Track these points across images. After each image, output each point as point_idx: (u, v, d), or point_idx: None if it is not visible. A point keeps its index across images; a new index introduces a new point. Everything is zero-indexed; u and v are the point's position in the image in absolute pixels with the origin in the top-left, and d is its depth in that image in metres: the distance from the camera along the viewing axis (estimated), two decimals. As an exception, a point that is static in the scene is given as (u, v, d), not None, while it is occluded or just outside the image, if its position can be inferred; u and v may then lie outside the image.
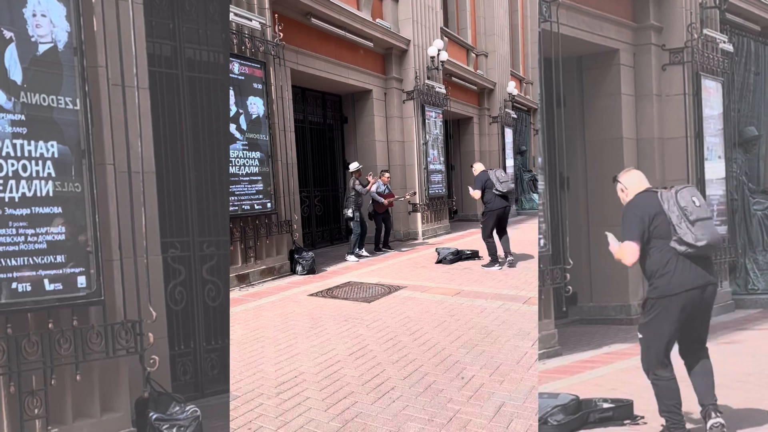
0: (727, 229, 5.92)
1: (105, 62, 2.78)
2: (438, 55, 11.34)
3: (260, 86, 7.29)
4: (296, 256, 7.65)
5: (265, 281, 7.10)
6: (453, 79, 13.49)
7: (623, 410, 3.05)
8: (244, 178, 7.04)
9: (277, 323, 4.99)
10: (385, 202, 9.25)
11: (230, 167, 6.91)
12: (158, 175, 3.13)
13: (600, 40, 5.02)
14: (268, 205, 7.26)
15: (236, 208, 6.86)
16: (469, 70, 14.65)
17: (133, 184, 2.85)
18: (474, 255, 8.45)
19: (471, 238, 11.21)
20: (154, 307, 2.90)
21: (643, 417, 3.04)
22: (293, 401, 3.23)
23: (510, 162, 16.39)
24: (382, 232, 9.52)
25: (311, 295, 6.20)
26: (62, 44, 2.73)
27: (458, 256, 8.28)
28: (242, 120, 7.08)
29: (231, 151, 6.89)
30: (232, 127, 6.97)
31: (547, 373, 3.77)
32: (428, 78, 11.45)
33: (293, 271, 7.56)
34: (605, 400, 3.09)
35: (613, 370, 3.98)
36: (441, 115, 12.00)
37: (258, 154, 7.22)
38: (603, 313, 5.31)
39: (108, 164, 2.83)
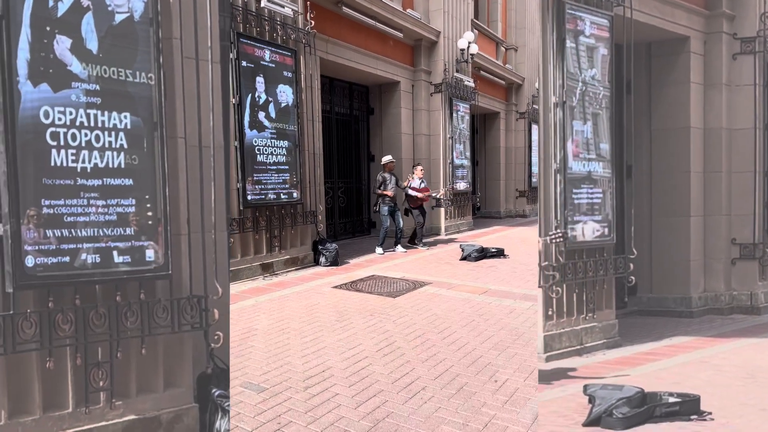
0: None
1: (180, 34, 2.75)
2: (468, 47, 11.24)
3: (290, 74, 7.26)
4: (320, 247, 7.63)
5: (288, 271, 7.10)
6: (481, 72, 13.37)
7: (690, 405, 2.98)
8: (272, 167, 7.02)
9: (302, 315, 4.94)
10: (419, 195, 9.15)
11: (258, 155, 6.91)
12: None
13: (670, 26, 4.92)
14: (294, 195, 7.24)
15: (262, 196, 6.86)
16: (498, 64, 14.50)
17: (203, 159, 2.82)
18: (499, 253, 8.34)
19: (495, 236, 11.13)
20: (220, 283, 2.88)
21: (710, 413, 2.97)
22: (322, 396, 3.17)
23: (536, 159, 16.28)
24: (422, 226, 9.44)
25: (335, 287, 6.17)
26: (138, 14, 2.71)
27: (483, 253, 8.16)
28: (271, 108, 7.06)
29: (259, 140, 6.89)
30: (261, 115, 6.96)
31: (607, 364, 3.70)
32: (457, 71, 11.35)
33: (316, 262, 7.55)
34: (671, 394, 3.02)
35: (675, 364, 3.91)
36: (469, 109, 11.90)
37: (286, 143, 7.20)
38: (662, 305, 5.23)
39: (179, 138, 2.80)
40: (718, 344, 4.39)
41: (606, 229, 3.98)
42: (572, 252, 3.99)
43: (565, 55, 3.67)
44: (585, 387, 3.16)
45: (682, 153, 5.10)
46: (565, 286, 3.96)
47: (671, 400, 2.99)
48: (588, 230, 3.96)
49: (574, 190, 3.82)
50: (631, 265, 4.03)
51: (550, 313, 3.95)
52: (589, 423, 2.93)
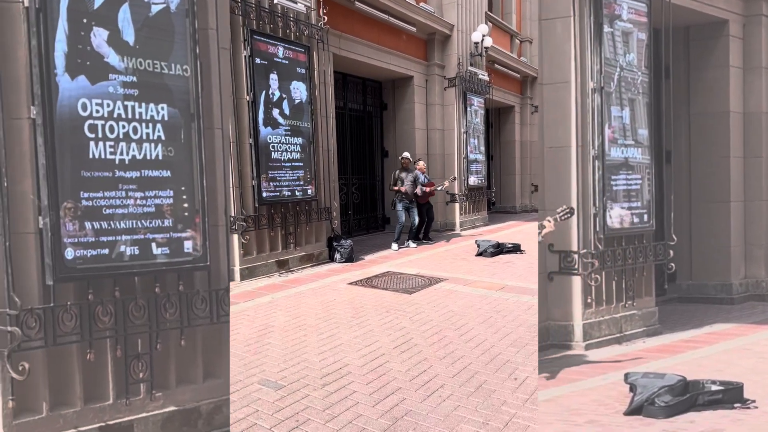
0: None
1: (216, 25, 2.74)
2: (482, 40, 11.16)
3: (303, 71, 7.24)
4: (335, 243, 7.63)
5: (303, 268, 7.10)
6: (495, 66, 13.27)
7: (733, 393, 2.93)
8: (286, 164, 7.02)
9: (319, 311, 4.92)
10: (427, 190, 9.12)
11: (272, 153, 6.91)
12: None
13: (709, 10, 4.86)
14: (309, 191, 7.24)
15: (277, 194, 6.86)
16: (512, 57, 14.38)
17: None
18: (516, 248, 8.26)
19: (510, 231, 11.07)
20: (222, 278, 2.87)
21: (754, 401, 2.93)
22: (340, 394, 3.12)
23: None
24: (429, 222, 9.41)
25: (351, 283, 6.14)
26: (174, 5, 2.70)
27: (499, 249, 8.06)
28: (285, 105, 7.05)
29: (274, 137, 6.88)
30: (275, 112, 6.96)
31: (648, 352, 3.66)
32: (471, 64, 11.28)
33: (331, 259, 7.54)
34: (713, 382, 2.98)
35: (717, 351, 3.86)
36: (483, 103, 11.82)
37: (300, 140, 7.19)
38: (702, 292, 5.19)
39: (216, 129, 2.80)
40: (760, 331, 4.34)
41: (645, 216, 3.94)
42: (611, 239, 3.94)
43: (603, 39, 3.63)
44: (626, 375, 3.13)
45: (722, 138, 5.06)
46: (604, 273, 3.91)
47: (714, 388, 2.95)
48: (615, 215, 3.92)
49: (612, 177, 3.79)
50: (671, 252, 4.00)
51: (589, 300, 3.91)
52: (630, 412, 2.90)
